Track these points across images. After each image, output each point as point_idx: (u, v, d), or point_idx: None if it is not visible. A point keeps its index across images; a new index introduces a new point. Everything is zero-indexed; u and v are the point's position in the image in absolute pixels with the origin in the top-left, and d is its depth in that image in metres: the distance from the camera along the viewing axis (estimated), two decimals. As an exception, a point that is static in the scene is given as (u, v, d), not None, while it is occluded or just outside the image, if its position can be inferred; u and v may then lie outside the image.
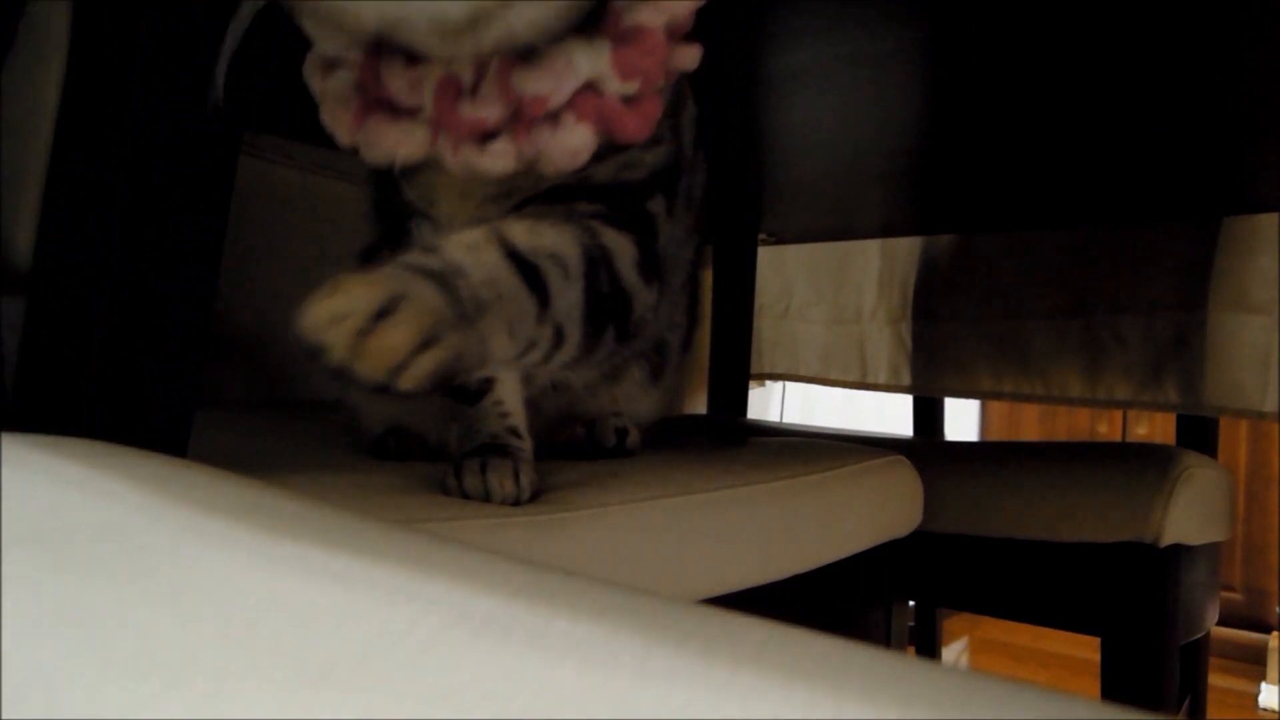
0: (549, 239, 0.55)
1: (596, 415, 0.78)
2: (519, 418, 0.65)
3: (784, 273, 1.96)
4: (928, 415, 1.92)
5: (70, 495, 0.29)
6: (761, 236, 1.73)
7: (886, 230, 1.78)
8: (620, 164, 0.62)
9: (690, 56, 0.57)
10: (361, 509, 0.41)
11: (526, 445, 0.64)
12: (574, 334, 0.55)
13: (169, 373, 0.49)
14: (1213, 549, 1.30)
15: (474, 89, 0.52)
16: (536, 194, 0.61)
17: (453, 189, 0.62)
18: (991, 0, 0.85)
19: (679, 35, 0.57)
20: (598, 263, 0.57)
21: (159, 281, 0.49)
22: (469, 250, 0.50)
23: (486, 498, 0.58)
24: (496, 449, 0.61)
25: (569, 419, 0.77)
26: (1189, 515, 1.10)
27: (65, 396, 0.47)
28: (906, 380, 1.83)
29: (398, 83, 0.52)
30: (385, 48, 0.52)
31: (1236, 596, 2.62)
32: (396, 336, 0.40)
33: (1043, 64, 0.98)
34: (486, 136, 0.53)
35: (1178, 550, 1.10)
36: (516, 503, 0.58)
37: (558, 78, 0.52)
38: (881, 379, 1.87)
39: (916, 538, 0.97)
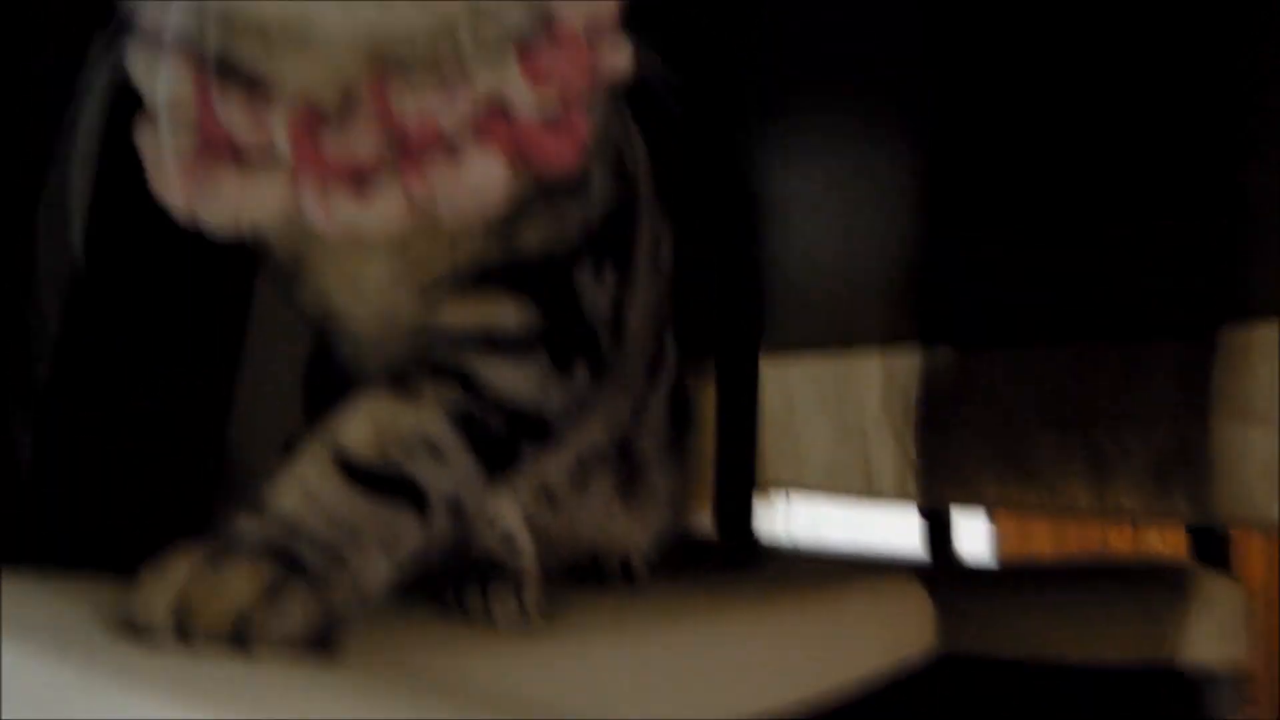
0: (404, 425, 0.47)
1: (600, 545, 0.74)
2: (513, 522, 0.60)
3: (786, 384, 1.97)
4: (938, 527, 1.89)
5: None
6: (764, 349, 1.75)
7: (886, 342, 1.80)
8: (550, 220, 0.50)
9: (621, 58, 0.47)
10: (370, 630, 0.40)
11: (526, 550, 0.60)
12: (475, 491, 0.49)
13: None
14: (1232, 667, 1.27)
15: (341, 118, 0.41)
16: (458, 276, 0.49)
17: (342, 284, 0.51)
18: (984, 122, 0.88)
19: (607, 37, 0.47)
20: (476, 416, 0.48)
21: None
22: (302, 496, 0.43)
23: (490, 621, 0.56)
24: (495, 566, 0.58)
25: (570, 544, 0.73)
26: (1204, 633, 1.07)
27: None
28: (913, 492, 1.82)
29: (238, 117, 0.40)
30: (223, 74, 0.40)
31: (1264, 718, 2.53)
32: (236, 581, 0.37)
33: (1036, 184, 1.01)
34: (364, 179, 0.41)
35: (1195, 669, 1.07)
36: (522, 627, 0.56)
37: (449, 91, 0.41)
38: (888, 491, 1.85)
39: (929, 662, 0.95)
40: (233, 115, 0.40)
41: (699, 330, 1.63)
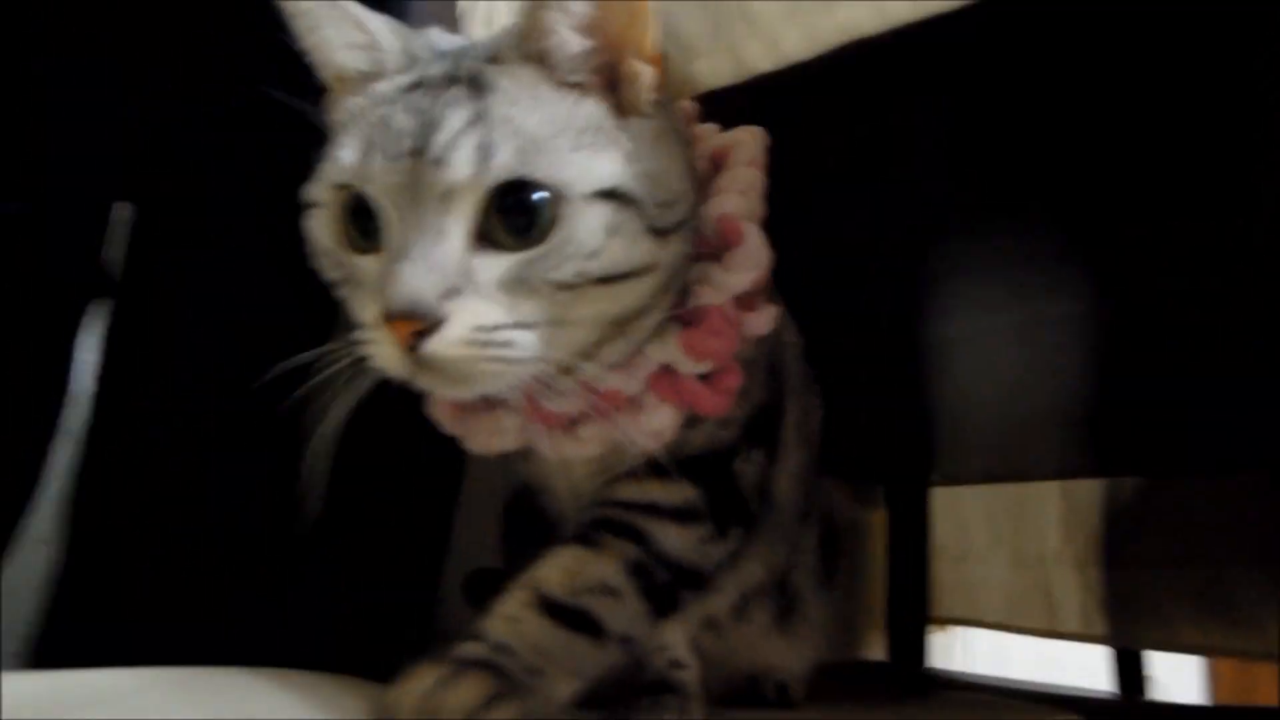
0: (590, 573, 0.58)
1: (760, 670, 0.82)
2: (680, 647, 0.69)
3: (960, 514, 1.94)
4: (1130, 670, 1.78)
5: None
6: (933, 479, 1.75)
7: (1065, 473, 1.75)
8: (715, 425, 0.64)
9: (763, 322, 0.60)
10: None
11: (692, 673, 0.68)
12: (642, 628, 0.60)
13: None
14: None
15: (555, 387, 0.55)
16: (634, 467, 0.63)
17: (557, 470, 0.67)
18: (1153, 268, 0.90)
19: (754, 302, 0.60)
20: (647, 567, 0.60)
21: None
22: (509, 623, 0.55)
23: None
24: (664, 686, 0.66)
25: (731, 668, 0.80)
26: None
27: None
28: (1100, 630, 1.73)
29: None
30: None
31: None
32: (466, 692, 0.48)
33: (1225, 309, 0.99)
34: (576, 421, 0.58)
35: None
36: None
37: (629, 370, 0.57)
38: (1072, 628, 1.77)
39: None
40: None
41: (869, 461, 1.66)
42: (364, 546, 0.64)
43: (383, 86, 0.54)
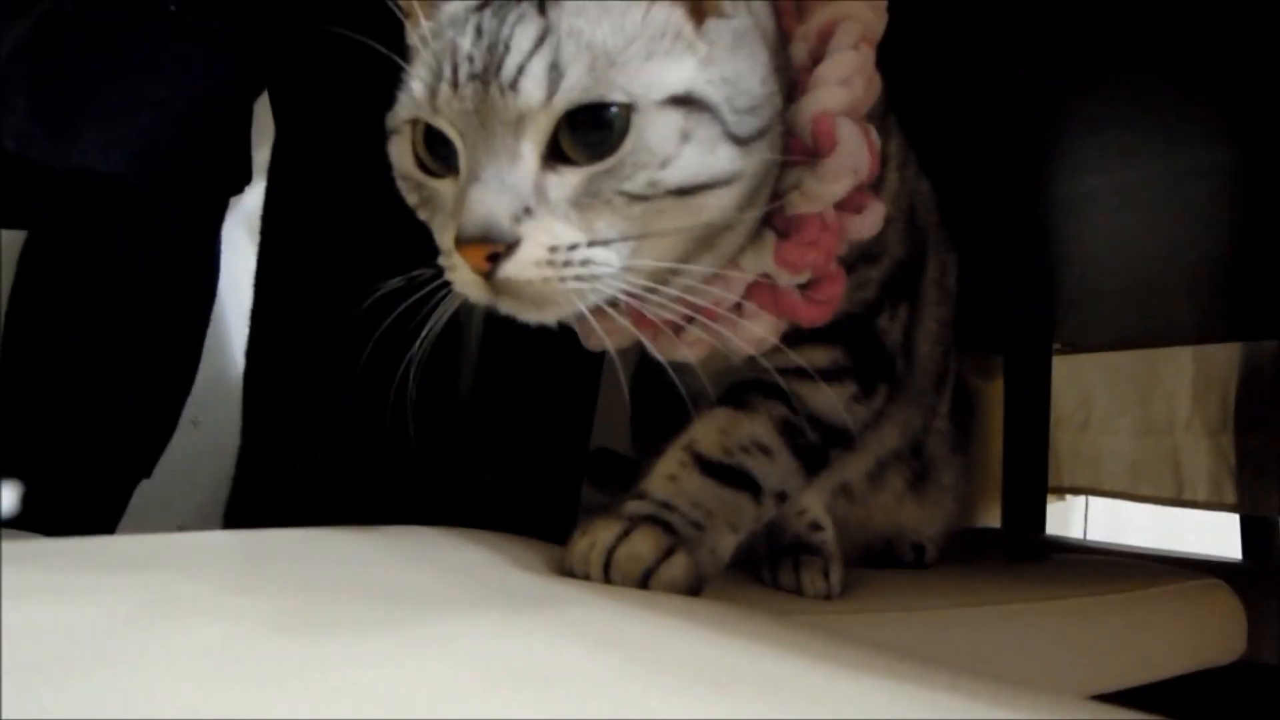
0: (743, 432, 0.60)
1: (895, 533, 0.83)
2: (818, 510, 0.72)
3: (1082, 382, 1.89)
4: (1261, 538, 1.74)
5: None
6: (1056, 346, 1.70)
7: (1199, 337, 1.68)
8: (851, 288, 0.62)
9: (868, 224, 0.57)
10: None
11: (829, 534, 0.71)
12: (795, 485, 0.62)
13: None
14: None
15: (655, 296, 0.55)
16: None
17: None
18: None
19: (858, 202, 0.56)
20: (797, 426, 0.61)
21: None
22: (669, 482, 0.57)
23: (799, 592, 0.66)
24: (804, 547, 0.69)
25: (868, 532, 0.83)
26: None
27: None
28: (1231, 497, 1.69)
29: None
30: None
31: None
32: (641, 545, 0.51)
33: None
34: (682, 326, 0.57)
35: None
36: (827, 597, 0.65)
37: (726, 284, 0.55)
38: (1201, 495, 1.74)
39: (1239, 669, 0.92)
40: None
41: (990, 330, 1.62)
42: (514, 422, 0.67)
43: (450, 8, 0.52)
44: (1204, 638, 0.87)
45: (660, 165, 0.48)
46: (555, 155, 0.48)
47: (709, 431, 0.60)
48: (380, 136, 0.54)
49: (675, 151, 0.48)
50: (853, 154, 0.54)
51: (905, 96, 0.66)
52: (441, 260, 0.50)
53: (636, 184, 0.48)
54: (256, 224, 0.83)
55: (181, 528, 1.19)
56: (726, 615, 0.43)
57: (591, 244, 0.48)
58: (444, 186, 0.52)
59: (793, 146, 0.55)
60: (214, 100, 0.74)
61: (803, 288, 0.57)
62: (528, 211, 0.47)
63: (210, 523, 0.85)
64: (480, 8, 0.50)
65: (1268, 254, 1.23)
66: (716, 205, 0.51)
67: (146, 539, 0.48)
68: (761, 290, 0.56)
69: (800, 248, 0.54)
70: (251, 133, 0.83)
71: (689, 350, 0.58)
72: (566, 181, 0.48)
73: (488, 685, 0.28)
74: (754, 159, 0.52)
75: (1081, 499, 2.11)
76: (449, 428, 0.68)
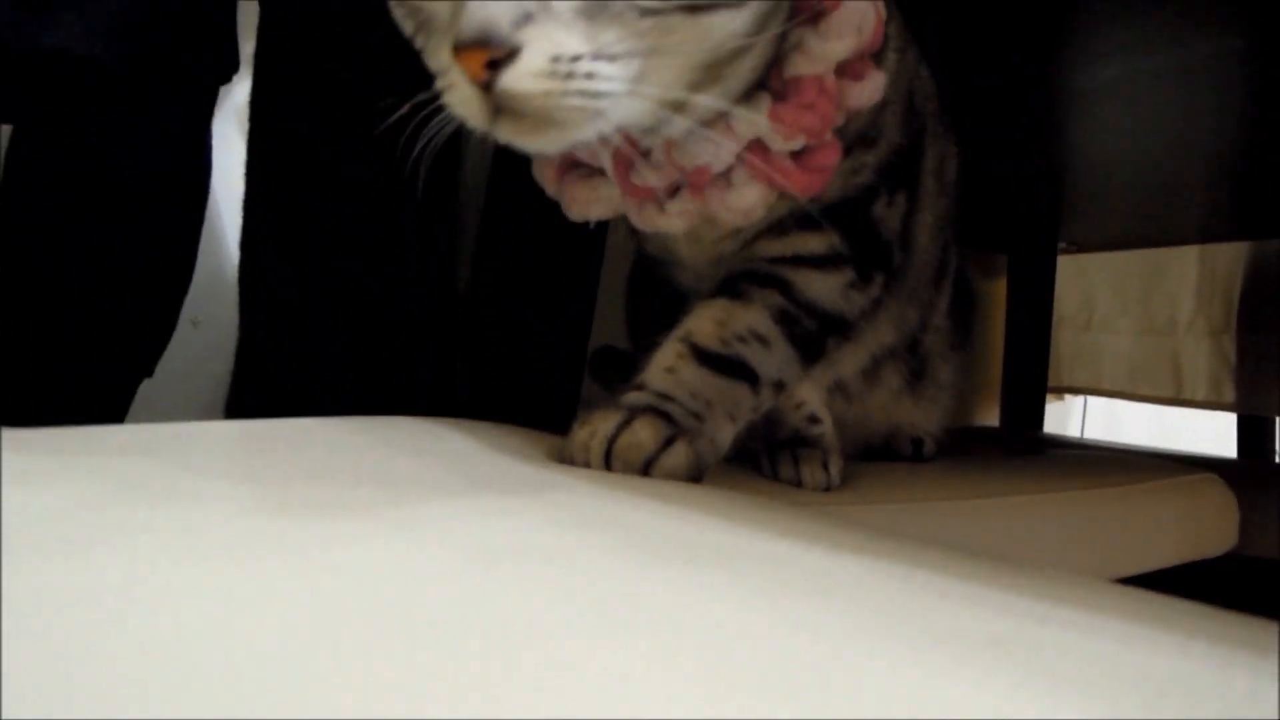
0: (739, 321, 0.59)
1: (892, 429, 0.84)
2: (815, 404, 0.71)
3: (1086, 282, 1.88)
4: (1256, 437, 1.76)
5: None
6: (1060, 245, 1.69)
7: (1205, 236, 1.66)
8: (846, 172, 0.61)
9: (867, 92, 0.55)
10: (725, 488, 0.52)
11: (827, 427, 0.71)
12: (792, 374, 0.61)
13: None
14: None
15: (647, 154, 0.55)
16: (768, 224, 0.63)
17: (683, 239, 0.65)
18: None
19: (858, 69, 0.55)
20: (793, 315, 0.61)
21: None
22: (667, 374, 0.56)
23: (799, 484, 0.67)
24: (803, 440, 0.70)
25: (866, 428, 0.83)
26: None
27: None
28: (1230, 396, 1.70)
29: (582, 149, 0.55)
30: None
31: None
32: (643, 434, 0.51)
33: None
34: (668, 195, 0.56)
35: None
36: (827, 489, 0.66)
37: (716, 145, 0.53)
38: (1200, 395, 1.75)
39: (1231, 560, 0.94)
40: (581, 150, 0.56)
41: (993, 228, 1.60)
42: (512, 316, 0.66)
43: None
44: (1198, 530, 0.89)
45: None
46: None
47: (705, 322, 0.59)
48: (368, 12, 0.52)
49: None
50: (857, 13, 0.53)
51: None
52: (438, 83, 0.48)
53: None
54: (246, 118, 0.81)
55: (185, 427, 1.21)
56: (727, 501, 0.43)
57: (596, 57, 0.46)
58: (439, 6, 0.49)
59: (798, 9, 0.53)
60: None
61: (795, 155, 0.55)
62: (529, 18, 0.44)
63: (212, 419, 0.85)
64: None
65: (1276, 150, 1.20)
66: (725, 28, 0.49)
67: (141, 428, 0.48)
68: (753, 155, 0.54)
69: (797, 109, 0.53)
70: (236, 21, 0.81)
71: (675, 220, 0.56)
72: None
73: (484, 563, 0.28)
74: None
75: (1080, 400, 2.12)
76: (447, 320, 0.68)
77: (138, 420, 0.95)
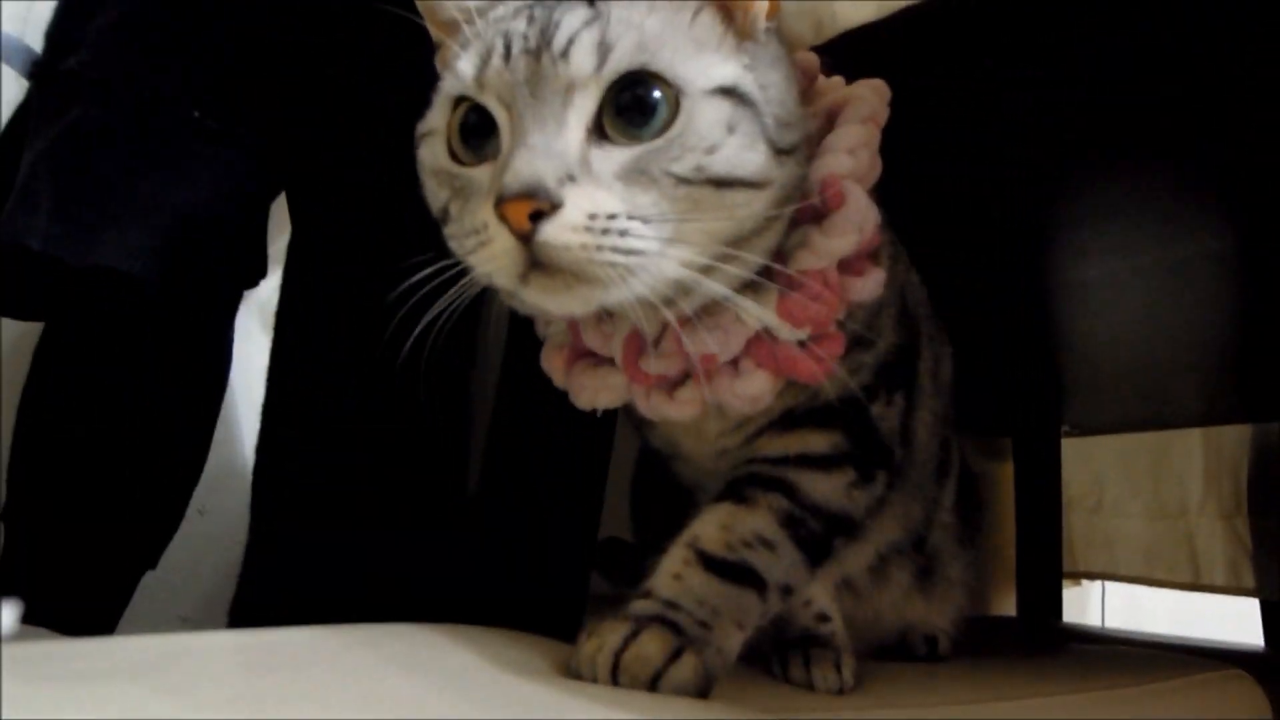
0: (745, 527, 0.60)
1: (904, 626, 0.82)
2: (824, 601, 0.70)
3: (1093, 465, 1.88)
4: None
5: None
6: (1064, 429, 1.70)
7: (1208, 419, 1.67)
8: (846, 372, 0.62)
9: (868, 287, 0.58)
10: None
11: (837, 625, 0.70)
12: (800, 577, 0.61)
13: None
14: None
15: (656, 343, 0.57)
16: (771, 420, 0.64)
17: (687, 433, 0.67)
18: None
19: (859, 266, 0.58)
20: (798, 518, 0.61)
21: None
22: (674, 580, 0.57)
23: (810, 687, 0.64)
24: (813, 639, 0.68)
25: (876, 627, 0.81)
26: None
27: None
28: (1250, 582, 1.66)
29: (591, 336, 0.59)
30: None
31: None
32: (649, 647, 0.50)
33: None
34: (676, 384, 0.58)
35: None
36: (840, 692, 0.64)
37: (725, 334, 0.56)
38: (1218, 580, 1.70)
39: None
40: (589, 335, 0.60)
41: (997, 412, 1.62)
42: (521, 514, 0.67)
43: (500, 9, 0.54)
44: (1228, 731, 0.85)
45: (707, 150, 0.50)
46: (602, 133, 0.50)
47: (711, 528, 0.60)
48: (400, 234, 0.56)
49: (721, 139, 0.50)
50: (859, 211, 0.56)
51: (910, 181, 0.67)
52: (468, 241, 0.50)
53: (684, 165, 0.49)
54: (269, 313, 0.85)
55: (185, 619, 1.18)
56: None
57: (631, 217, 0.48)
58: (479, 173, 0.52)
59: (802, 211, 0.57)
60: (234, 201, 0.76)
61: (801, 344, 0.57)
62: (572, 178, 0.48)
63: (215, 613, 0.84)
64: (531, 4, 0.53)
65: (1271, 337, 1.23)
66: (750, 207, 0.52)
67: (142, 643, 0.47)
68: (760, 345, 0.56)
69: (804, 301, 0.55)
70: (267, 233, 0.85)
71: (683, 408, 0.58)
72: (612, 157, 0.49)
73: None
74: (786, 171, 0.54)
75: (1098, 584, 2.07)
76: (458, 521, 0.68)
77: (139, 612, 0.93)
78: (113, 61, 0.71)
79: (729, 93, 0.51)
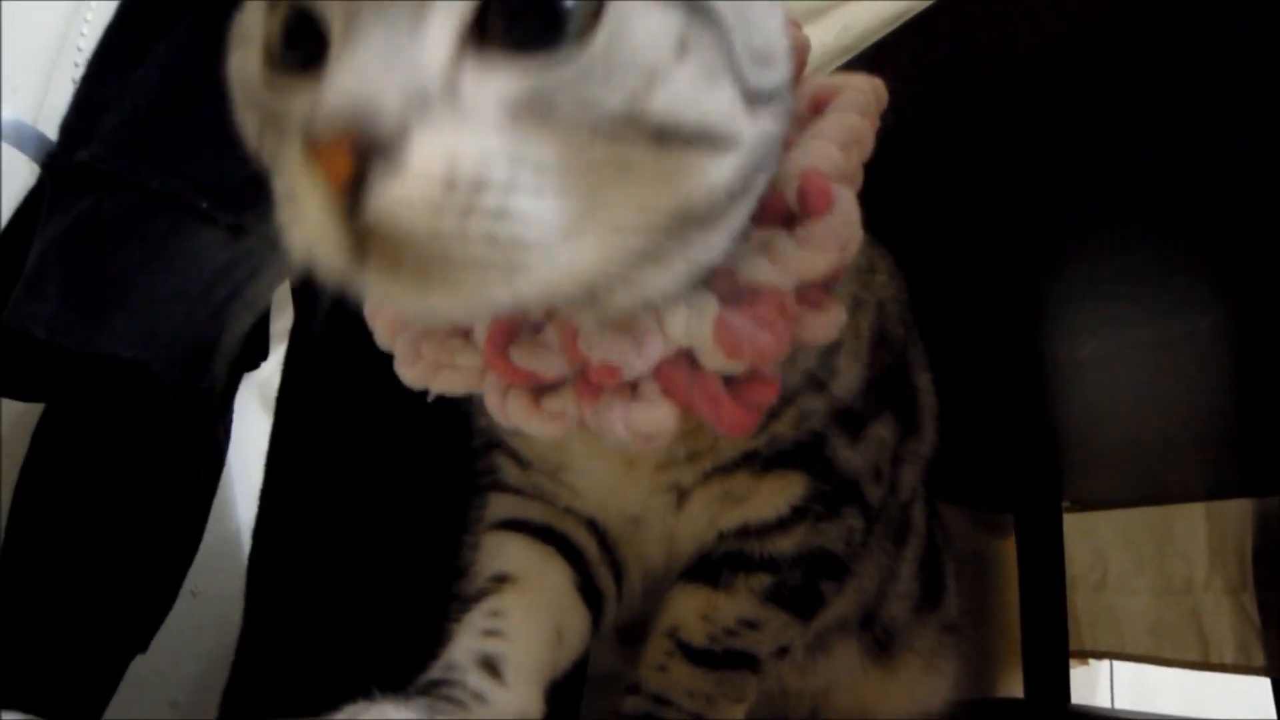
0: (726, 615, 0.54)
1: (870, 712, 0.74)
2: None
3: (1096, 541, 1.86)
4: (1293, 699, 1.67)
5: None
6: (1065, 504, 1.69)
7: (1210, 494, 1.66)
8: (789, 422, 0.52)
9: (826, 328, 0.44)
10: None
11: None
12: (795, 634, 0.57)
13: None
14: None
15: (537, 329, 0.42)
16: (719, 464, 0.52)
17: (592, 455, 0.51)
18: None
19: (821, 298, 0.44)
20: (781, 587, 0.55)
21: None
22: (660, 674, 0.53)
23: None
24: None
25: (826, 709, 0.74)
26: None
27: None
28: (1259, 660, 1.63)
29: None
30: None
31: None
32: None
33: None
34: (546, 389, 0.42)
35: None
36: None
37: (637, 345, 0.40)
38: (1228, 658, 1.67)
39: None
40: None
41: (996, 487, 1.61)
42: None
43: None
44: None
45: (645, 78, 0.33)
46: (485, 43, 0.32)
47: (688, 617, 0.55)
48: None
49: (666, 64, 0.34)
50: (846, 224, 0.42)
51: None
52: (282, 214, 0.34)
53: (612, 98, 0.33)
54: (269, 392, 0.85)
55: (175, 704, 1.15)
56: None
57: (513, 188, 0.31)
58: (299, 96, 0.34)
59: (768, 206, 0.42)
60: (241, 291, 0.77)
61: (727, 381, 0.42)
62: (425, 104, 0.30)
63: (205, 697, 0.82)
64: None
65: (1270, 411, 1.23)
66: (706, 176, 0.36)
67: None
68: (674, 369, 0.41)
69: (750, 327, 0.40)
70: (270, 318, 0.87)
71: (548, 424, 0.43)
72: (498, 80, 0.32)
73: None
74: (759, 126, 0.38)
75: (1106, 663, 2.03)
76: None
77: (128, 696, 0.91)
78: (125, 155, 0.73)
79: None
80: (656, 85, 0.33)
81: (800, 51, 0.47)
